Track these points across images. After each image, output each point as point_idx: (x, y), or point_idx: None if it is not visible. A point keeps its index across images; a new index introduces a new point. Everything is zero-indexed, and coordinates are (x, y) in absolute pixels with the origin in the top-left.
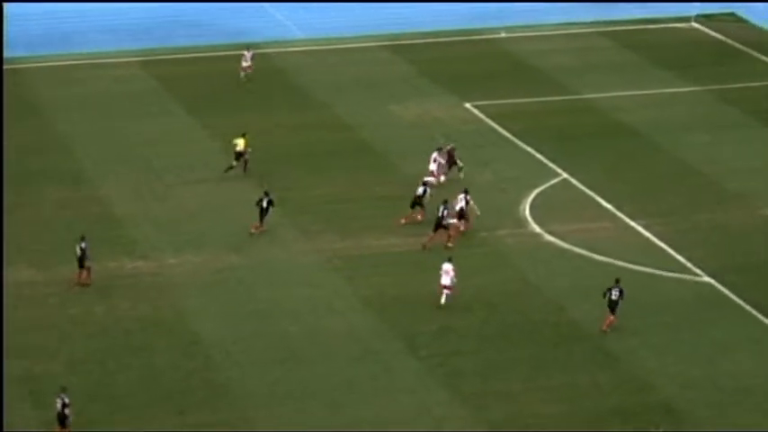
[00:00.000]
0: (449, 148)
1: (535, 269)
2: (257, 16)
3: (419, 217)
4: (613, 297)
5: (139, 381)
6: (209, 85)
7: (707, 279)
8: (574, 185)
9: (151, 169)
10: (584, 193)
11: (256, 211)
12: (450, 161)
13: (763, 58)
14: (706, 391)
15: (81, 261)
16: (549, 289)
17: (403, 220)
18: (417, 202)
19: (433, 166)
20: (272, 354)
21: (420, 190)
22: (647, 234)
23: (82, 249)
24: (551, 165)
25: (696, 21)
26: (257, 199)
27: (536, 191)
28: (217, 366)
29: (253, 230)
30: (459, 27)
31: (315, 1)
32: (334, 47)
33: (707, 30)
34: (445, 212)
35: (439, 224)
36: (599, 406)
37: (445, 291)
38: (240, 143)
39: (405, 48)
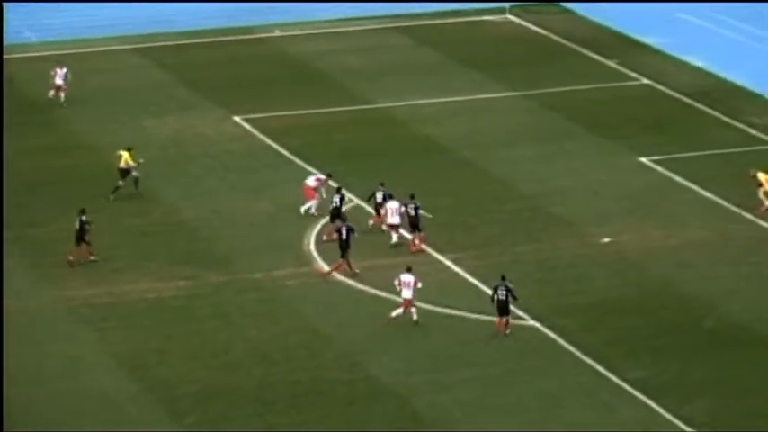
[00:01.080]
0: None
1: (324, 316)
2: None
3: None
4: (501, 297)
5: None
6: None
7: (531, 322)
8: (370, 213)
9: None
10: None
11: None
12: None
13: (593, 55)
14: None
15: None
16: (342, 339)
17: (325, 237)
18: (335, 214)
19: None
20: (10, 425)
21: (336, 199)
22: (458, 270)
23: None
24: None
25: (512, 12)
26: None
27: (323, 221)
28: None
29: (71, 258)
30: (223, 25)
31: (48, 1)
32: (74, 51)
33: (525, 23)
34: (351, 234)
35: (345, 249)
36: None
37: (412, 308)
38: (124, 158)
39: (158, 50)
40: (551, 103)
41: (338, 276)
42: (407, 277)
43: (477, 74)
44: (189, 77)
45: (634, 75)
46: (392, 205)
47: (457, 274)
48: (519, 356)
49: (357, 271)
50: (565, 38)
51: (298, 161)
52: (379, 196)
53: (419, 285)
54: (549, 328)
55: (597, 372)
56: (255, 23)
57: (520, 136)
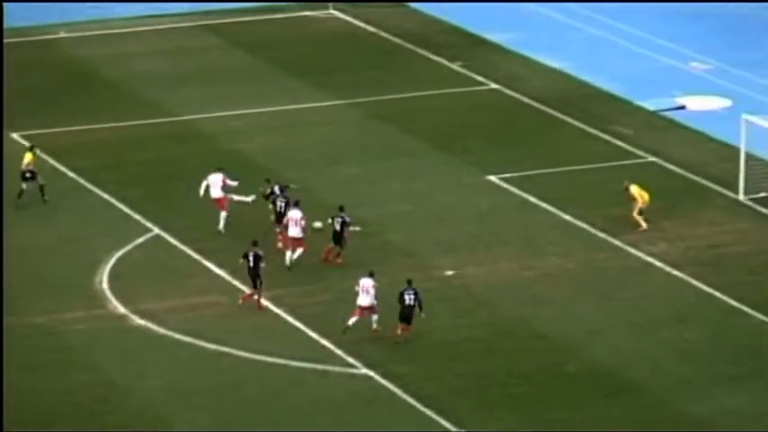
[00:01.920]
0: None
1: (120, 367)
2: None
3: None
4: (407, 302)
5: None
6: None
7: (364, 371)
8: (172, 245)
9: None
10: (186, 254)
11: None
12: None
13: (432, 56)
14: None
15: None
16: (142, 393)
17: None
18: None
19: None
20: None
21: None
22: (278, 310)
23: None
24: (138, 216)
25: (336, 7)
26: None
27: (117, 254)
28: None
29: None
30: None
31: (50, 0)
32: None
33: (352, 19)
34: (260, 263)
35: (255, 277)
36: None
37: (367, 313)
38: (27, 158)
39: None
40: (384, 113)
41: (136, 320)
42: (368, 282)
43: (297, 79)
44: None
45: (480, 78)
46: (294, 215)
47: (276, 316)
48: (349, 411)
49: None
50: (399, 36)
51: (88, 185)
52: (279, 202)
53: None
54: (385, 376)
55: (442, 427)
56: (37, 23)
57: (347, 152)
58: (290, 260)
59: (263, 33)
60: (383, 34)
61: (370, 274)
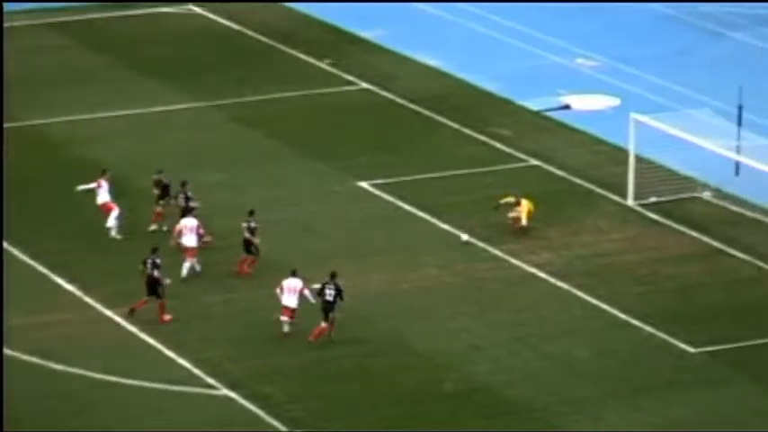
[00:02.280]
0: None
1: None
2: None
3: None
4: (327, 297)
5: None
6: None
7: (225, 391)
8: (18, 259)
9: None
10: (33, 269)
11: None
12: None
13: (298, 54)
14: None
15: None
16: None
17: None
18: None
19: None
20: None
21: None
22: (132, 328)
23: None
24: None
25: (196, 3)
26: None
27: None
28: None
29: None
30: None
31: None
32: None
33: (213, 16)
34: (155, 271)
35: (153, 284)
36: None
37: (288, 314)
38: None
39: None
40: (247, 116)
41: None
42: (294, 282)
43: (153, 81)
44: None
45: (350, 78)
46: (189, 222)
47: (131, 333)
48: None
49: (168, 317)
50: (263, 33)
51: None
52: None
53: (306, 292)
54: (248, 397)
55: None
56: None
57: (208, 157)
58: (192, 270)
59: (116, 32)
60: (247, 31)
61: (293, 273)
